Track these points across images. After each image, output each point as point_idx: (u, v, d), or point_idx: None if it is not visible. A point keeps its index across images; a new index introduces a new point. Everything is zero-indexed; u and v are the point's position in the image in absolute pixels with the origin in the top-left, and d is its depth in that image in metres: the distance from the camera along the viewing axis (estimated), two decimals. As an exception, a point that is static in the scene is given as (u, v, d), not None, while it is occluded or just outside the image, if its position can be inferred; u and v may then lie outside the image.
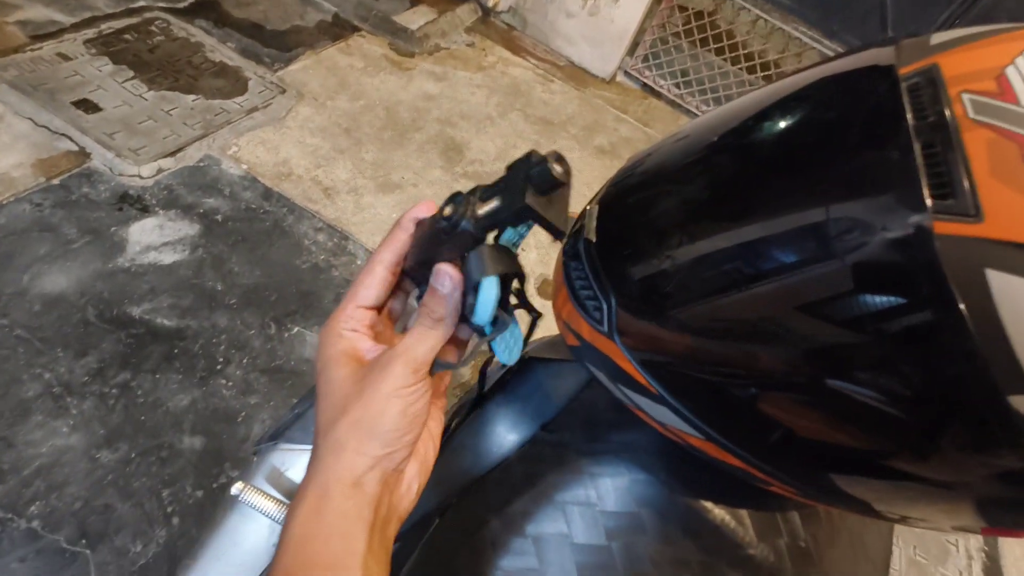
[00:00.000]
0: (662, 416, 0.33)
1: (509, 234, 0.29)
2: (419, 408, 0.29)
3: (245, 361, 1.33)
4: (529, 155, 0.27)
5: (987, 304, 0.20)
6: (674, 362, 0.30)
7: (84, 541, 1.04)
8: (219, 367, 1.31)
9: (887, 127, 0.23)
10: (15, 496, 1.05)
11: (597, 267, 0.32)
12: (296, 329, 1.41)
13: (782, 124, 0.28)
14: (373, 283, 0.32)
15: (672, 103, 2.85)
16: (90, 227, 1.43)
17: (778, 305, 0.25)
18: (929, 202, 0.21)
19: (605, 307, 0.32)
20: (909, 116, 0.22)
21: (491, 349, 0.31)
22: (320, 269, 1.56)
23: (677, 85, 2.81)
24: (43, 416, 1.14)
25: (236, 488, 0.67)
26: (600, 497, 0.35)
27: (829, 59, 0.30)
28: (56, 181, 1.49)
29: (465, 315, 0.29)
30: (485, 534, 0.37)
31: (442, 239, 0.29)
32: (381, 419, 0.28)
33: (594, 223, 0.33)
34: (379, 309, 0.33)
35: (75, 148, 1.57)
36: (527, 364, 0.48)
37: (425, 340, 0.29)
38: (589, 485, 0.36)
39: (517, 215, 0.26)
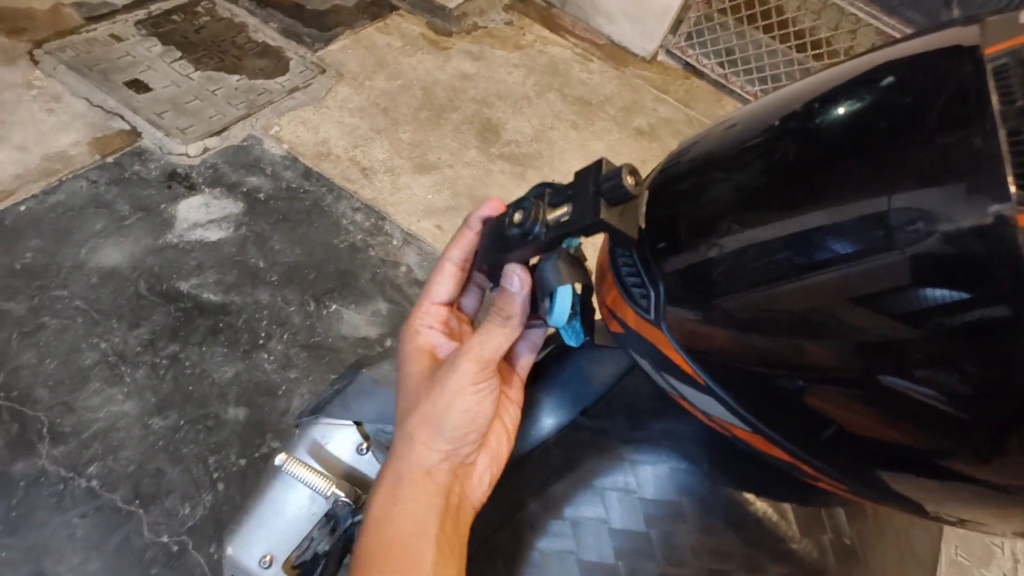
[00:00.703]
0: (708, 407, 0.32)
1: (572, 240, 0.29)
2: (485, 407, 0.30)
3: (285, 337, 1.37)
4: (599, 163, 0.27)
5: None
6: (722, 352, 0.30)
7: (137, 501, 1.10)
8: (261, 342, 1.35)
9: (970, 111, 0.21)
10: (76, 457, 1.12)
11: (645, 254, 0.32)
12: (334, 307, 1.44)
13: (851, 108, 0.27)
14: (444, 279, 0.33)
15: (715, 83, 2.75)
16: (142, 204, 1.49)
17: (838, 297, 0.24)
18: (1013, 191, 0.20)
19: (652, 295, 0.31)
20: (994, 100, 0.21)
21: (560, 336, 0.32)
22: (357, 249, 1.58)
23: (721, 64, 2.71)
24: (100, 383, 1.21)
25: (279, 459, 0.70)
26: (640, 484, 0.35)
27: (902, 39, 0.28)
28: (110, 159, 1.55)
29: (536, 313, 0.30)
30: (523, 515, 0.38)
31: (512, 243, 0.30)
32: (447, 416, 0.29)
33: (643, 209, 0.32)
34: (453, 305, 0.34)
35: (127, 127, 1.63)
36: (567, 350, 0.48)
37: (493, 338, 0.30)
38: (629, 472, 0.36)
39: (588, 228, 0.26)
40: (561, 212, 0.28)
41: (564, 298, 0.29)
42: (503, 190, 1.88)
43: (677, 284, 0.30)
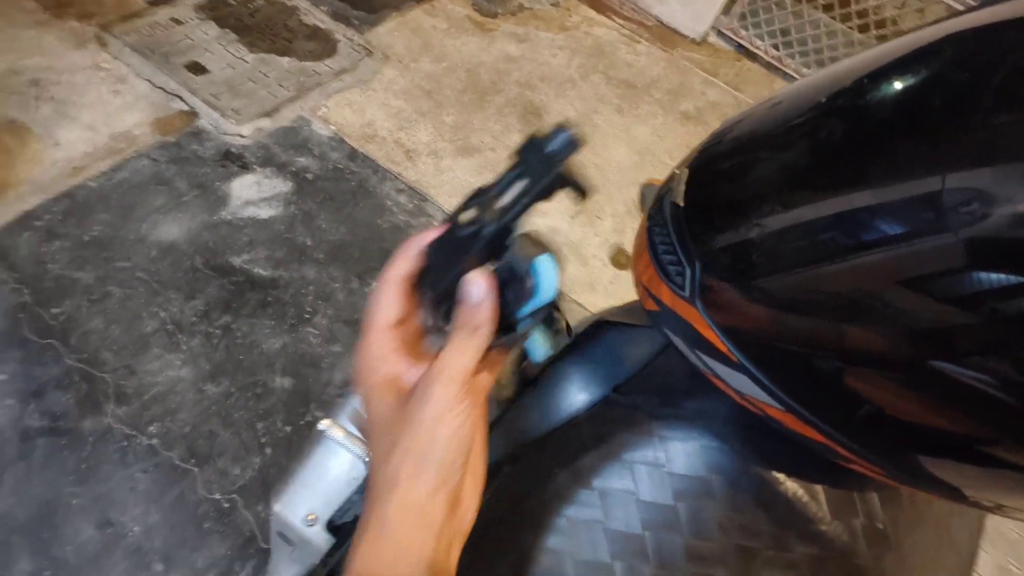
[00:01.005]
0: (741, 385, 0.32)
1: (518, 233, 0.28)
2: (467, 427, 0.27)
3: (330, 312, 1.42)
4: (532, 136, 0.27)
5: None
6: (759, 331, 0.30)
7: (193, 460, 1.18)
8: (307, 316, 1.41)
9: (1028, 87, 0.21)
10: (137, 417, 1.20)
11: (683, 231, 0.32)
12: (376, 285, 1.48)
13: (903, 84, 0.26)
14: (388, 301, 0.30)
15: (768, 66, 2.65)
16: (198, 182, 1.57)
17: (887, 279, 0.24)
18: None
19: (688, 272, 0.32)
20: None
21: (524, 351, 0.31)
22: (400, 229, 1.62)
23: (776, 46, 2.60)
24: (159, 350, 1.29)
25: (323, 424, 0.74)
26: (669, 459, 0.36)
27: (960, 12, 0.27)
28: (170, 139, 1.63)
29: (506, 312, 0.29)
30: (552, 485, 0.39)
31: (466, 248, 0.28)
32: (432, 446, 0.26)
33: (682, 187, 0.32)
34: (403, 325, 0.30)
35: (186, 108, 1.70)
36: (599, 327, 0.48)
37: (464, 352, 0.27)
38: (659, 447, 0.37)
39: (552, 186, 0.26)
40: (517, 189, 0.27)
41: (548, 267, 0.27)
42: (544, 174, 1.87)
43: (714, 262, 0.30)
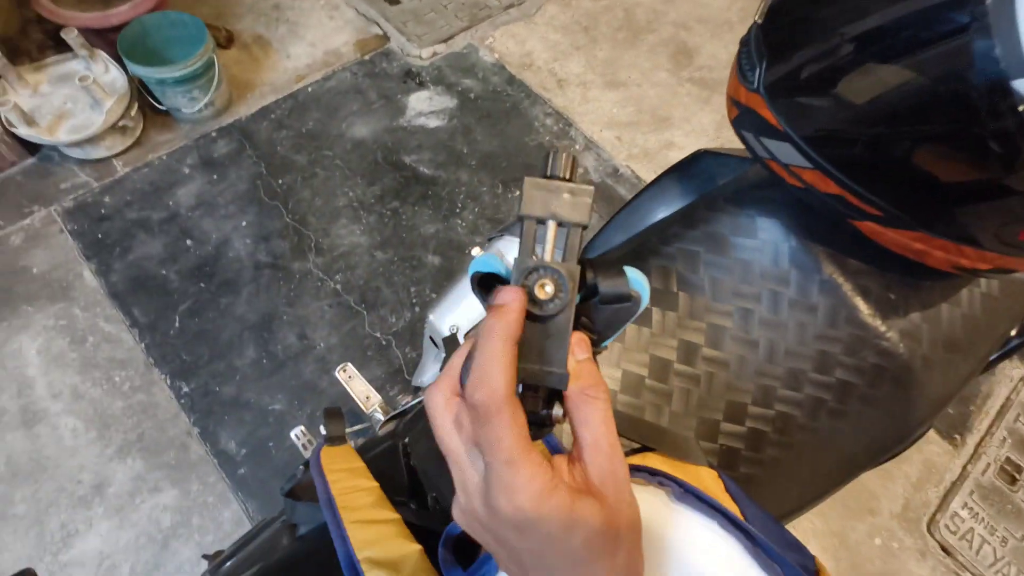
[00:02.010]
0: (787, 156, 0.46)
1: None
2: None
3: (476, 209, 1.67)
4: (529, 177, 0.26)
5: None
6: (800, 105, 0.43)
7: (363, 305, 1.51)
8: (457, 210, 1.67)
9: None
10: (328, 267, 1.56)
11: (759, 38, 0.45)
12: (516, 192, 1.69)
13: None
14: (507, 363, 0.23)
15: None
16: (384, 94, 1.88)
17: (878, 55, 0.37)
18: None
19: (758, 70, 0.45)
20: None
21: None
22: (544, 148, 1.81)
23: None
24: (346, 220, 1.63)
25: (475, 252, 0.97)
26: (736, 228, 0.50)
27: None
28: (366, 57, 1.96)
29: (600, 331, 0.28)
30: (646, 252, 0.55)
31: (565, 327, 0.25)
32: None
33: (764, 8, 0.46)
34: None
35: (380, 33, 2.02)
36: (698, 155, 0.62)
37: (606, 417, 0.24)
38: (728, 223, 0.51)
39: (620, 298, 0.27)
40: (550, 236, 0.25)
41: (640, 278, 0.27)
42: (686, 111, 1.93)
43: (774, 58, 0.44)
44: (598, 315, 0.28)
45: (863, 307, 0.46)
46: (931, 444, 1.43)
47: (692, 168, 0.61)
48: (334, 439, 0.49)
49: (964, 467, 1.39)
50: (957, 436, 1.44)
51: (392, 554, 0.34)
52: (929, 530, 1.31)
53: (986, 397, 1.48)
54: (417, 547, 0.35)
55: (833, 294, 0.47)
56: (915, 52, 0.35)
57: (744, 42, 0.49)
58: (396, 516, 0.38)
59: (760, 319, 0.47)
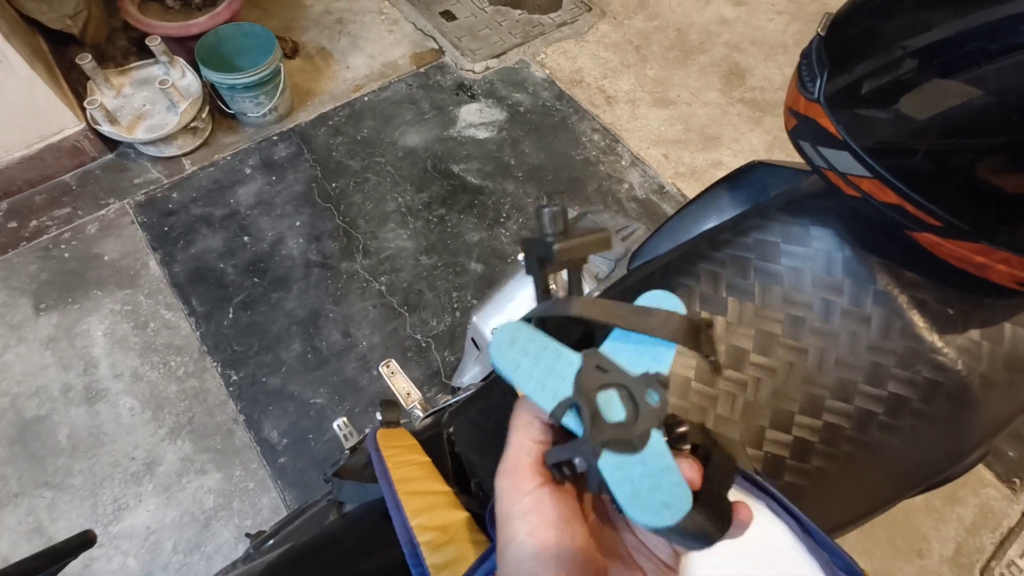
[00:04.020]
0: (845, 166, 0.46)
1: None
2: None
3: (520, 220, 1.70)
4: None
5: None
6: (860, 116, 0.43)
7: (405, 308, 1.55)
8: (502, 220, 1.70)
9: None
10: (374, 268, 1.61)
11: (820, 50, 0.46)
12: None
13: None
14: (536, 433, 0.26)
15: None
16: (437, 105, 1.94)
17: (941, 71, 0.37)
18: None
19: (818, 80, 0.46)
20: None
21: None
22: (589, 163, 1.82)
23: None
24: (394, 225, 1.68)
25: (520, 258, 0.99)
26: (788, 236, 0.51)
27: None
28: (422, 70, 2.03)
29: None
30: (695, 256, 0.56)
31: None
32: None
33: (827, 23, 0.46)
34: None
35: (436, 47, 2.10)
36: (752, 165, 0.62)
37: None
38: (780, 231, 0.51)
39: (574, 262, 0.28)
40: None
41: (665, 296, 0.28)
42: (736, 131, 1.92)
43: (836, 68, 0.44)
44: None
45: (919, 320, 0.46)
46: (988, 487, 1.35)
47: (745, 178, 0.62)
48: (389, 423, 0.51)
49: (1024, 513, 1.30)
50: (1016, 480, 1.36)
51: (442, 521, 0.36)
52: (983, 577, 1.24)
53: (1051, 441, 1.39)
54: (465, 514, 0.37)
55: (888, 305, 0.46)
56: (981, 65, 0.35)
57: (805, 54, 0.49)
58: (447, 488, 0.40)
59: (810, 327, 0.47)
